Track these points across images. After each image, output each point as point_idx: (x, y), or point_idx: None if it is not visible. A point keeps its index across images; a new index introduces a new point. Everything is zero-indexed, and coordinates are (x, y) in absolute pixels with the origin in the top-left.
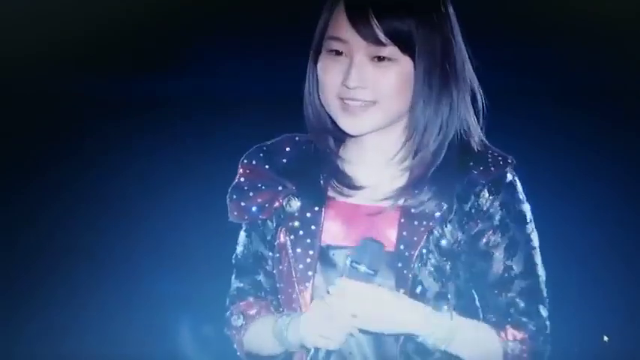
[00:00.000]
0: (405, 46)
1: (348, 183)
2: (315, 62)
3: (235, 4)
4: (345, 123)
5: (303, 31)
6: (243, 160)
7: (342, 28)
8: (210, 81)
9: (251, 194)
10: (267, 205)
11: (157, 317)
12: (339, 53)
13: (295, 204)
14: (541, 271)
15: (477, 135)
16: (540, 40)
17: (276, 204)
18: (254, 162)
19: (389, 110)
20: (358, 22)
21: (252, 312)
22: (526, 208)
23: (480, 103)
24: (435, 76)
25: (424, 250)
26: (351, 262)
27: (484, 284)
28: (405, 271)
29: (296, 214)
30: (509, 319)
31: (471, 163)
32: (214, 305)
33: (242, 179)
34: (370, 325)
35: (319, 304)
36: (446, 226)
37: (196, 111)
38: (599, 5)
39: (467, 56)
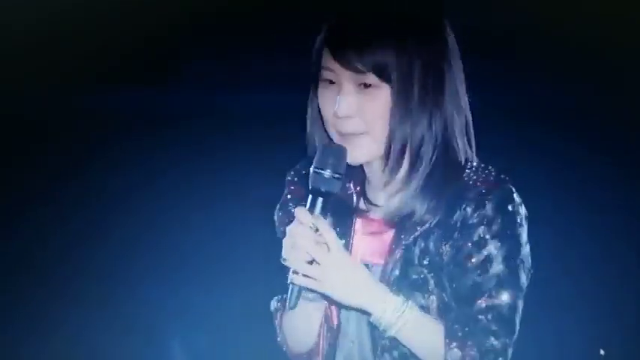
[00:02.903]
0: (382, 74)
1: (368, 200)
2: (316, 92)
3: (236, 19)
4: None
5: (305, 44)
6: (287, 177)
7: (330, 58)
8: (210, 93)
9: (291, 210)
10: None
11: (152, 326)
12: (331, 82)
13: (328, 219)
14: (515, 294)
15: (465, 153)
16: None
17: None
18: (296, 179)
19: (380, 138)
20: (338, 53)
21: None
22: (516, 227)
23: (468, 123)
24: (412, 101)
25: (403, 262)
26: (315, 168)
27: (457, 297)
28: (384, 284)
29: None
30: (458, 335)
31: (465, 179)
32: (210, 315)
33: (288, 196)
34: (324, 285)
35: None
36: (429, 239)
37: (196, 123)
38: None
39: (461, 78)
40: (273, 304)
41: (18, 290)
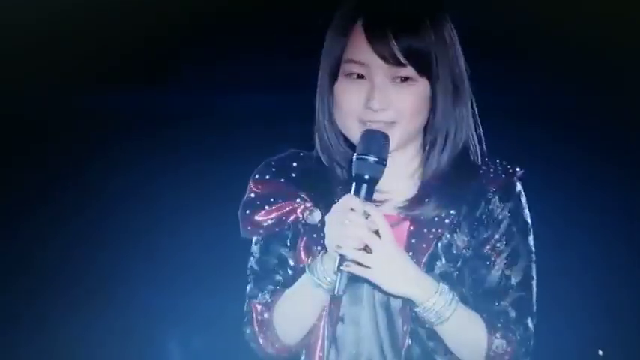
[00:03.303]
0: (422, 66)
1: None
2: (331, 86)
3: (236, 21)
4: None
5: (306, 44)
6: (254, 176)
7: (361, 51)
8: (210, 93)
9: (266, 208)
10: (283, 218)
11: (153, 327)
12: (360, 76)
13: (317, 216)
14: (535, 284)
15: (482, 146)
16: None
17: (293, 216)
18: (267, 177)
19: (407, 130)
20: (378, 44)
21: (278, 291)
22: (529, 220)
23: (476, 117)
24: (449, 94)
25: (432, 257)
26: (358, 155)
27: (480, 289)
28: None
29: (319, 226)
30: (498, 325)
31: (481, 172)
32: (209, 319)
33: (252, 195)
34: (374, 272)
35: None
36: (455, 233)
37: (196, 123)
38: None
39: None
40: (265, 297)
41: (18, 291)
